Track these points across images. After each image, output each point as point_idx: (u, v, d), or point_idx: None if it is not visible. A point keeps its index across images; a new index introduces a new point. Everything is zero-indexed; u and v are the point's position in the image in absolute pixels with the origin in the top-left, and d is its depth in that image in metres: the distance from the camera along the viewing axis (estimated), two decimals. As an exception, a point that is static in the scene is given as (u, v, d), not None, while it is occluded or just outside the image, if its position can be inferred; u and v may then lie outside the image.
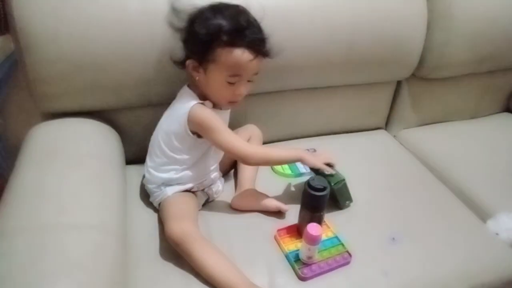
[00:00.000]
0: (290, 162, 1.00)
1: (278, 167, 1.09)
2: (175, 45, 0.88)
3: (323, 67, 1.10)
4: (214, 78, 0.83)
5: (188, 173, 0.91)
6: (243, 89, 0.86)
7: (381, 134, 1.35)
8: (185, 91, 0.90)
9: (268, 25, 0.98)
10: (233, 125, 1.09)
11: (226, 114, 0.96)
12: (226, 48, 0.80)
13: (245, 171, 1.01)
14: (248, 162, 0.89)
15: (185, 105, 0.85)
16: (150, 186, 0.94)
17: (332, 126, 1.28)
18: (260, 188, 0.99)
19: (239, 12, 0.83)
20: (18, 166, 0.79)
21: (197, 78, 0.85)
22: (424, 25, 1.16)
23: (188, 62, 0.85)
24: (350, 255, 0.84)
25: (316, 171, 0.94)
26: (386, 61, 1.16)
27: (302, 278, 0.80)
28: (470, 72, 1.32)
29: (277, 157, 0.93)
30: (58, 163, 0.80)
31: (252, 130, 1.09)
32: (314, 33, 1.04)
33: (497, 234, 0.97)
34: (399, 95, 1.33)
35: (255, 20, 0.85)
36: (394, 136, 1.36)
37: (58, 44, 0.84)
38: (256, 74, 0.87)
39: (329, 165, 0.94)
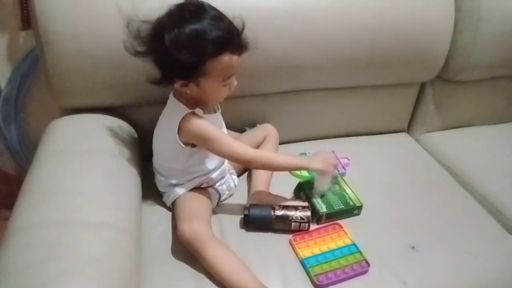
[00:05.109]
0: (295, 169, 0.95)
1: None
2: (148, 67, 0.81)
3: (344, 67, 1.08)
4: (209, 87, 0.80)
5: (191, 174, 0.90)
6: (235, 82, 0.83)
7: (402, 137, 1.31)
8: (172, 101, 0.85)
9: (287, 23, 0.97)
10: (250, 125, 1.09)
11: (219, 116, 0.93)
12: (215, 59, 0.76)
13: (260, 173, 0.99)
14: (251, 165, 0.85)
15: (175, 117, 0.81)
16: (159, 187, 0.93)
17: (352, 128, 1.26)
18: (276, 188, 0.97)
19: (213, 17, 0.76)
20: (35, 161, 0.80)
21: (188, 92, 0.81)
22: (451, 25, 1.12)
23: (176, 84, 0.79)
24: (368, 264, 0.82)
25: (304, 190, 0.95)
26: (410, 62, 1.13)
27: (318, 286, 0.78)
28: (497, 75, 1.28)
29: (281, 162, 0.89)
30: (75, 159, 0.80)
31: (268, 129, 1.07)
32: (335, 32, 1.01)
33: (523, 246, 0.94)
34: (423, 97, 1.29)
35: (222, 15, 0.78)
36: (416, 139, 1.33)
37: (77, 40, 0.85)
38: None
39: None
